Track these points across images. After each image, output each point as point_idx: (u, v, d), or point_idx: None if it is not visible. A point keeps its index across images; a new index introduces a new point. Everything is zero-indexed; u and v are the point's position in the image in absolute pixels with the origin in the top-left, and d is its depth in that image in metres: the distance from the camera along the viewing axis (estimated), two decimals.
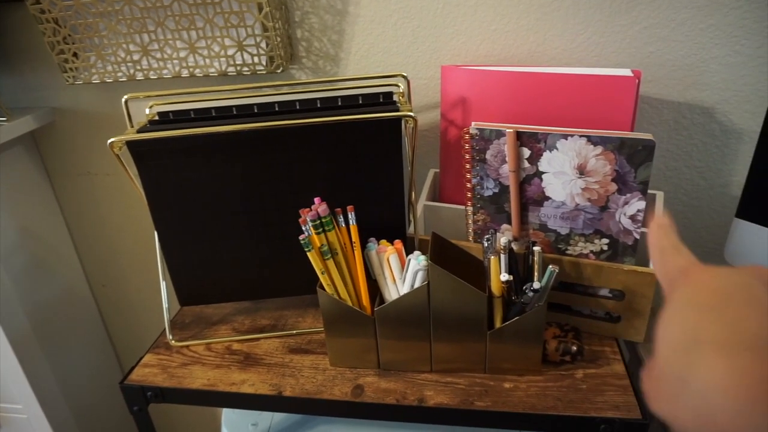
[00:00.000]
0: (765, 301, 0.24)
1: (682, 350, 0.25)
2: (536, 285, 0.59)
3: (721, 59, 0.73)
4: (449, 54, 0.79)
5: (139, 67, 0.82)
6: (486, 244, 0.66)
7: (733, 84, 0.74)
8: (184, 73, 0.81)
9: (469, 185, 0.73)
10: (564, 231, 0.70)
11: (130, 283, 1.12)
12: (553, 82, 0.69)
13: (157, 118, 0.71)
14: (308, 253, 0.62)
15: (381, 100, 0.73)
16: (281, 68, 0.79)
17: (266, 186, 0.70)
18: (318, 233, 0.63)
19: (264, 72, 0.80)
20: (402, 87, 0.72)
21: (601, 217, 0.68)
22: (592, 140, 0.64)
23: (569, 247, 0.71)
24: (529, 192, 0.69)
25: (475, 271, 0.68)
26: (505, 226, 0.74)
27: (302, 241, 0.62)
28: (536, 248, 0.65)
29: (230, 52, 0.79)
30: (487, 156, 0.70)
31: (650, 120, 0.79)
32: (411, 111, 0.62)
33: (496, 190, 0.71)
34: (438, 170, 0.83)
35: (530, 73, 0.70)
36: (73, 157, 0.99)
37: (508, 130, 0.66)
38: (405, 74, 0.68)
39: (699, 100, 0.76)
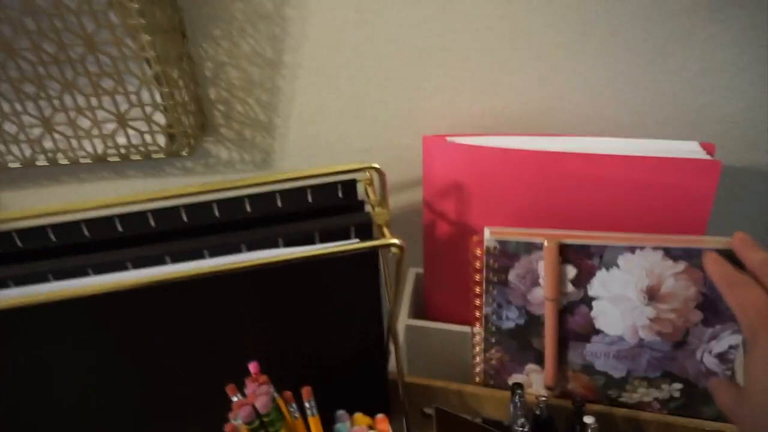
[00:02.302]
0: None
1: None
2: None
3: None
4: (432, 117, 0.56)
5: None
6: (515, 402, 0.44)
7: None
8: (40, 160, 0.54)
9: (478, 314, 0.50)
10: (619, 374, 0.49)
11: None
12: (593, 166, 0.48)
13: None
14: None
15: (340, 195, 0.50)
16: (187, 148, 0.54)
17: (161, 351, 0.45)
18: None
19: (162, 156, 0.54)
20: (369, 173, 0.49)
21: (675, 355, 0.47)
22: (672, 254, 0.44)
23: (624, 394, 0.50)
24: (571, 324, 0.48)
25: None
26: (531, 366, 0.51)
27: None
28: (588, 420, 0.43)
29: (108, 128, 0.53)
30: (511, 277, 0.47)
31: None
32: (396, 239, 0.39)
33: (521, 322, 0.49)
34: (421, 270, 0.60)
35: (555, 154, 0.48)
36: None
37: (546, 242, 0.44)
38: (377, 165, 0.45)
39: (762, 164, 0.57)
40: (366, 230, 0.44)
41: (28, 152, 0.54)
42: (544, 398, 0.46)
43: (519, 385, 0.45)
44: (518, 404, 0.45)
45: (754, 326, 0.33)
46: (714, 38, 0.50)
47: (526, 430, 0.41)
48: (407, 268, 0.62)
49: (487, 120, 0.56)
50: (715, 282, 0.40)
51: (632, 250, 0.44)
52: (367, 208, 0.48)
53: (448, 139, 0.51)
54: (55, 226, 0.47)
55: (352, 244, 0.40)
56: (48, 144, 0.54)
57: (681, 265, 0.44)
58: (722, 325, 0.45)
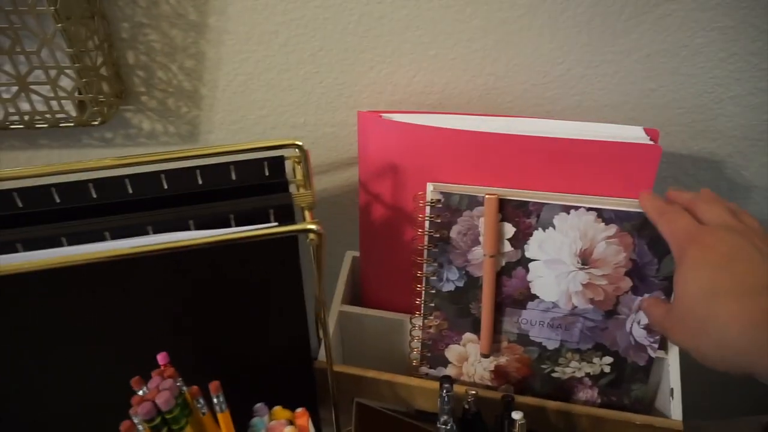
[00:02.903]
0: (758, 256, 0.33)
1: (701, 301, 0.34)
2: None
3: (741, 99, 0.52)
4: (369, 91, 0.52)
5: None
6: (443, 397, 0.43)
7: (751, 131, 0.54)
8: None
9: (420, 273, 0.48)
10: (552, 344, 0.49)
11: None
12: (535, 148, 0.46)
13: None
14: None
15: (266, 173, 0.46)
16: (99, 117, 0.49)
17: (61, 339, 0.41)
18: None
19: (72, 125, 0.49)
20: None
21: (606, 325, 0.48)
22: (605, 216, 0.43)
23: (557, 368, 0.50)
24: (509, 288, 0.48)
25: None
26: (468, 335, 0.50)
27: None
28: (516, 416, 0.42)
29: (10, 91, 0.47)
30: (453, 234, 0.46)
31: None
32: (314, 224, 0.36)
33: (461, 284, 0.48)
34: (358, 254, 0.58)
35: (492, 135, 0.46)
36: None
37: (488, 195, 0.44)
38: (299, 142, 0.41)
39: (707, 151, 0.56)
40: (287, 213, 0.41)
41: None
42: (473, 392, 0.44)
43: (448, 378, 0.43)
44: (446, 399, 0.43)
45: (682, 245, 0.37)
46: (666, 18, 0.48)
47: (449, 427, 0.39)
48: (344, 252, 0.59)
49: (427, 97, 0.52)
50: (648, 215, 0.42)
51: (567, 210, 0.45)
52: (292, 188, 0.44)
53: (384, 115, 0.48)
54: None
55: (267, 228, 0.37)
56: None
57: (612, 229, 0.44)
58: (650, 294, 0.46)
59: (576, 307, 0.47)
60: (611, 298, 0.47)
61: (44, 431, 0.47)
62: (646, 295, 0.46)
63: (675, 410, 0.46)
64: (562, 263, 0.46)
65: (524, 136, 0.45)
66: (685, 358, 0.50)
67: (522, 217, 0.46)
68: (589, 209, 0.44)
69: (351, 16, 0.49)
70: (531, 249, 0.47)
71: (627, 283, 0.46)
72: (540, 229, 0.46)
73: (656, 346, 0.48)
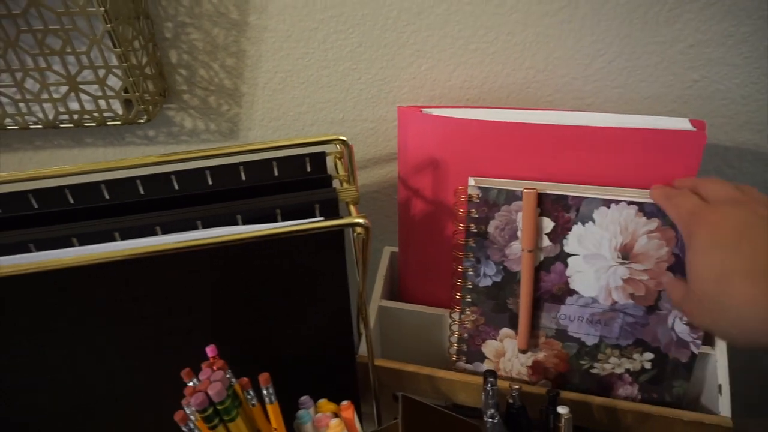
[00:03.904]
0: (765, 230, 0.33)
1: (714, 283, 0.34)
2: None
3: None
4: (408, 86, 0.52)
5: None
6: (488, 391, 0.42)
7: None
8: None
9: (460, 269, 0.48)
10: (591, 340, 0.49)
11: None
12: (576, 138, 0.45)
13: None
14: None
15: (308, 169, 0.46)
16: (145, 116, 0.50)
17: (113, 332, 0.42)
18: (212, 428, 0.37)
19: (119, 123, 0.50)
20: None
21: (647, 321, 0.47)
22: (646, 210, 0.43)
23: (596, 364, 0.49)
24: (547, 283, 0.47)
25: None
26: (505, 331, 0.50)
27: None
28: (562, 410, 0.41)
29: (60, 91, 0.49)
30: (490, 229, 0.46)
31: None
32: (361, 218, 0.36)
33: (498, 279, 0.48)
34: (396, 250, 0.58)
35: (535, 126, 0.46)
36: None
37: (526, 190, 0.44)
38: (344, 138, 0.41)
39: (752, 143, 0.55)
40: (332, 208, 0.41)
41: None
42: (517, 387, 0.44)
43: (491, 372, 0.43)
44: (490, 393, 0.43)
45: (690, 227, 0.37)
46: (710, 7, 0.47)
47: (496, 420, 0.39)
48: (382, 248, 0.59)
49: (466, 92, 0.52)
50: (657, 202, 0.42)
51: (608, 204, 0.44)
52: (335, 183, 0.45)
53: (424, 110, 0.48)
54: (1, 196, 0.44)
55: (314, 222, 0.37)
56: None
57: (654, 223, 0.44)
58: None
59: (616, 302, 0.47)
60: (652, 294, 0.46)
61: (94, 419, 0.48)
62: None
63: (723, 407, 0.45)
64: (602, 258, 0.45)
65: (565, 126, 0.45)
66: (732, 354, 0.49)
67: (561, 212, 0.45)
68: (630, 203, 0.43)
69: (390, 12, 0.49)
70: (570, 244, 0.46)
71: (669, 278, 0.45)
72: (579, 223, 0.45)
73: (699, 342, 0.47)
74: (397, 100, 0.53)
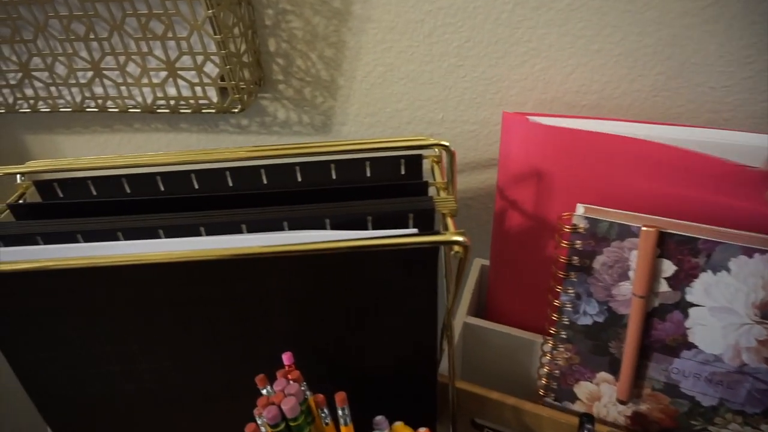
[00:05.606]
0: None
1: None
2: None
3: None
4: (518, 87, 0.48)
5: (20, 95, 0.52)
6: None
7: None
8: (90, 105, 0.51)
9: (556, 303, 0.44)
10: (709, 401, 0.42)
11: None
12: (716, 170, 0.39)
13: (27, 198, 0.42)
14: None
15: (402, 172, 0.43)
16: (239, 105, 0.48)
17: (189, 331, 0.41)
18: None
19: (213, 111, 0.49)
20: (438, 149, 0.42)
21: None
22: None
23: (711, 427, 0.43)
24: (660, 332, 0.41)
25: None
26: (603, 375, 0.45)
27: None
28: None
29: (159, 76, 0.48)
30: (596, 265, 0.41)
31: None
32: (460, 236, 0.32)
33: (600, 320, 0.43)
34: (487, 263, 0.54)
35: (655, 144, 0.40)
36: None
37: (645, 228, 0.38)
38: (446, 143, 0.38)
39: None
40: (427, 219, 0.38)
41: (78, 97, 0.51)
42: None
43: (590, 418, 0.39)
44: None
45: None
46: None
47: None
48: (472, 258, 0.55)
49: (583, 97, 0.47)
50: None
51: (750, 252, 0.37)
52: (432, 190, 0.41)
53: (531, 118, 0.43)
54: (94, 179, 0.44)
55: (408, 236, 0.34)
56: (98, 89, 0.50)
57: None
58: None
59: (746, 364, 0.40)
60: None
61: (170, 415, 0.48)
62: None
63: None
64: (734, 313, 0.39)
65: (704, 156, 0.39)
66: None
67: (687, 256, 0.38)
68: None
69: (504, 5, 0.45)
70: (694, 292, 0.39)
71: None
72: (709, 271, 0.38)
73: None
74: (504, 102, 0.49)
